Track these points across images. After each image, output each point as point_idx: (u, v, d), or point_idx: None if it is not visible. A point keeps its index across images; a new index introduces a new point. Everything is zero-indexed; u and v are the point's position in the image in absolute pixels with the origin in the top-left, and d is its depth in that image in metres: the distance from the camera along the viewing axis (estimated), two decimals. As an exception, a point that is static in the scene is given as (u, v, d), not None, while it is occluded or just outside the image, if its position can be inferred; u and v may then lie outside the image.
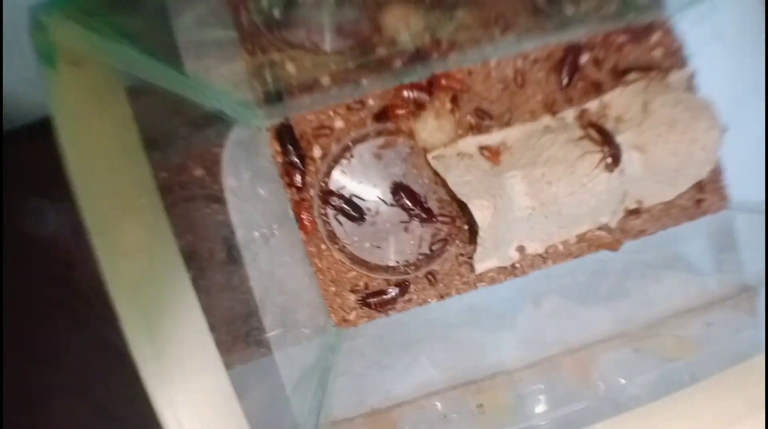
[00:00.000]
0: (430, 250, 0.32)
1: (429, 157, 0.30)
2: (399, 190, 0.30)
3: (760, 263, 0.35)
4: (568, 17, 0.31)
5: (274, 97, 0.25)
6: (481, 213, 0.27)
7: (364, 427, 0.27)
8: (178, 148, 0.26)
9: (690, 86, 0.34)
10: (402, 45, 0.26)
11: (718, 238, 0.38)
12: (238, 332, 0.30)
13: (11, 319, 0.66)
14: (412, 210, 0.30)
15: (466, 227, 0.30)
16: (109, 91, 0.17)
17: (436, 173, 0.30)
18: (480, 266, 0.29)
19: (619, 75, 0.33)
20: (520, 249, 0.31)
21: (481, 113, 0.31)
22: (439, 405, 0.30)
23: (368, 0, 0.25)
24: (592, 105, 0.32)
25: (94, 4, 0.14)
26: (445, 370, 0.31)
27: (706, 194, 0.35)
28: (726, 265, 0.36)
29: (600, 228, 0.31)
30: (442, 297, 0.31)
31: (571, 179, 0.28)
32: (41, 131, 0.57)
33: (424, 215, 0.30)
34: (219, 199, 0.32)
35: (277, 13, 0.25)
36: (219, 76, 0.22)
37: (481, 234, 0.27)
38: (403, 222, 0.31)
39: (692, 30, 0.36)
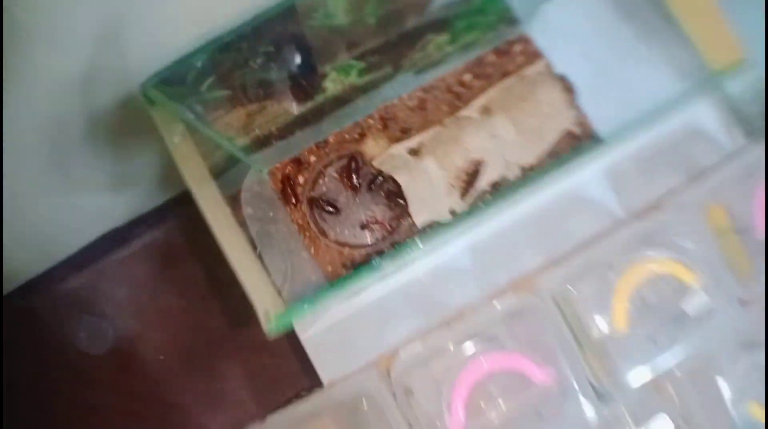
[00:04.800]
0: (390, 226, 0.47)
1: (374, 163, 0.47)
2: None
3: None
4: (448, 53, 0.49)
5: (263, 144, 0.44)
6: (401, 178, 0.43)
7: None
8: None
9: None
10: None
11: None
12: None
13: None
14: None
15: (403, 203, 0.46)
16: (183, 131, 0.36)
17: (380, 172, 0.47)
18: (418, 220, 0.44)
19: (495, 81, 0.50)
20: (452, 212, 0.46)
21: (405, 130, 0.49)
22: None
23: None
24: (480, 100, 0.49)
25: (174, 87, 0.34)
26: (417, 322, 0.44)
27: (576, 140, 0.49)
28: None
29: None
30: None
31: (460, 149, 0.44)
32: (83, 261, 0.82)
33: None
34: (243, 224, 0.49)
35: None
36: (225, 125, 0.41)
37: (406, 192, 0.43)
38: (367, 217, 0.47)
39: (542, 35, 0.53)
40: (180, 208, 0.96)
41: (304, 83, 0.38)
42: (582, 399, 0.38)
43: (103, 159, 0.65)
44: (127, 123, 0.59)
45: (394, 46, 0.39)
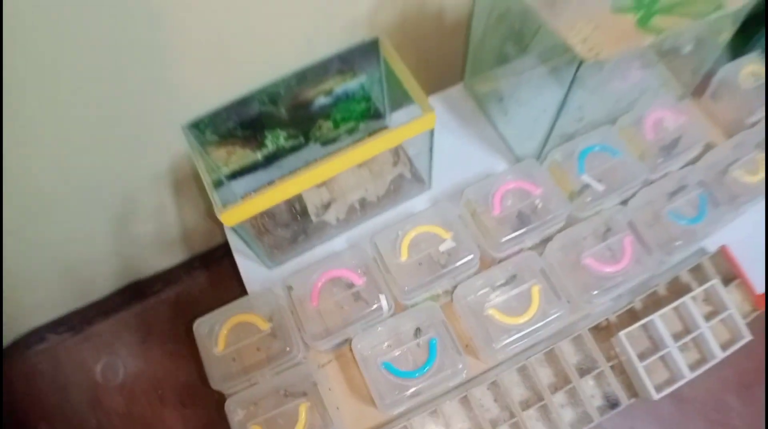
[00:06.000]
0: (302, 224, 0.93)
1: (295, 190, 0.95)
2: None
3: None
4: (340, 135, 0.99)
5: (237, 176, 0.92)
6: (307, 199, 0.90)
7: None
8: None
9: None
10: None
11: (429, 198, 0.95)
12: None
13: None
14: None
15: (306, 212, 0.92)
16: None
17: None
18: (313, 220, 0.89)
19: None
20: (336, 219, 0.91)
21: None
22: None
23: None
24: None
25: (194, 130, 0.83)
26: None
27: (407, 181, 0.96)
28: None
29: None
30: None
31: (340, 184, 0.91)
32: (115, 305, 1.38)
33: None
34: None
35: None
36: (215, 157, 0.89)
37: (308, 206, 0.89)
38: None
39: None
40: (191, 272, 1.45)
41: (254, 139, 0.88)
42: (380, 296, 0.79)
43: (145, 216, 1.15)
44: (167, 188, 1.09)
45: (300, 125, 0.89)
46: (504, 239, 0.77)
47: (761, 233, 0.89)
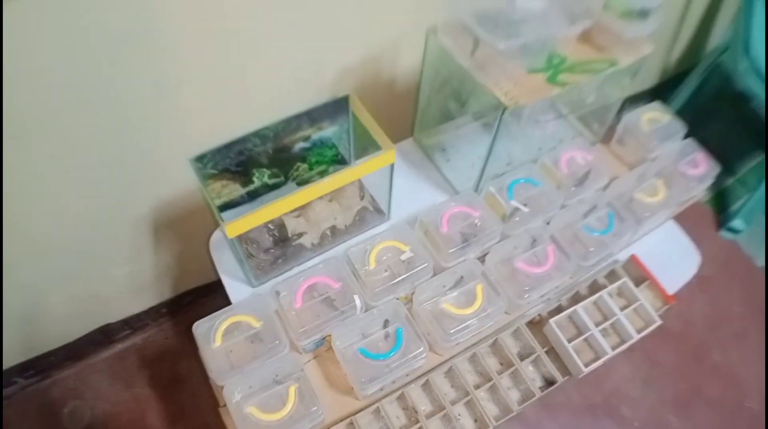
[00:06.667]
0: (283, 247, 1.14)
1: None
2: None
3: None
4: (313, 176, 1.24)
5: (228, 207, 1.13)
6: (288, 225, 1.12)
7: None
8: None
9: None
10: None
11: (390, 226, 1.19)
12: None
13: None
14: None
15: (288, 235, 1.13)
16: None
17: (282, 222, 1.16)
18: (293, 243, 1.11)
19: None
20: (312, 243, 1.14)
21: (295, 209, 1.20)
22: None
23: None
24: (328, 196, 1.21)
25: (197, 163, 1.05)
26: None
27: (370, 212, 1.20)
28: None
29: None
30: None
31: (313, 214, 1.13)
32: (77, 354, 1.56)
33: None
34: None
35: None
36: (211, 189, 1.10)
37: (289, 232, 1.11)
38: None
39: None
40: (158, 319, 1.61)
41: (244, 175, 1.10)
42: (354, 296, 1.00)
43: (121, 259, 1.32)
44: (146, 230, 1.28)
45: (282, 166, 1.12)
46: (451, 251, 1.01)
47: (668, 246, 1.17)
